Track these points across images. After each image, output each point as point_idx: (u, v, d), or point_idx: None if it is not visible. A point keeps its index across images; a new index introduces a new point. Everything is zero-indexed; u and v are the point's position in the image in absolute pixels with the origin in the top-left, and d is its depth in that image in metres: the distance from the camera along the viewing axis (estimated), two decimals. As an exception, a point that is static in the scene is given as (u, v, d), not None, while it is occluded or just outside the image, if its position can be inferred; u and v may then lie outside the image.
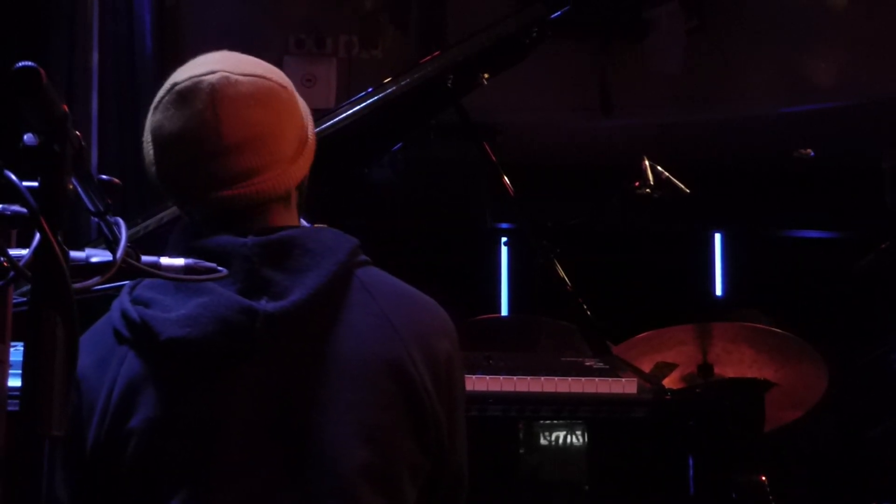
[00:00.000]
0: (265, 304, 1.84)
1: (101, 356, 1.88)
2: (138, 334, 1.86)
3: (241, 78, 1.92)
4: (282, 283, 1.87)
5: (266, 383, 1.86)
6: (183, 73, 1.95)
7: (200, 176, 1.91)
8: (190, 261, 1.72)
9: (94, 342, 1.91)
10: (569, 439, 3.05)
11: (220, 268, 1.74)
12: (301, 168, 2.00)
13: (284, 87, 1.99)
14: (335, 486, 1.83)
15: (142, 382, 1.85)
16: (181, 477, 1.82)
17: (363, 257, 1.99)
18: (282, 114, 1.96)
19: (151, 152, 1.98)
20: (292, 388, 1.86)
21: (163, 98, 1.95)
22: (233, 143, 1.90)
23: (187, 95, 1.91)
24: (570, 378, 2.97)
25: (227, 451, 1.83)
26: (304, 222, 2.21)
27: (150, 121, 1.97)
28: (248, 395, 1.85)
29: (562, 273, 3.42)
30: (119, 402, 1.85)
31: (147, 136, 1.99)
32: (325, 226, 2.12)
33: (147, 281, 1.89)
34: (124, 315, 1.89)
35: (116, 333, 1.90)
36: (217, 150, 1.89)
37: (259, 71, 1.97)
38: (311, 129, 2.05)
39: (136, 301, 1.89)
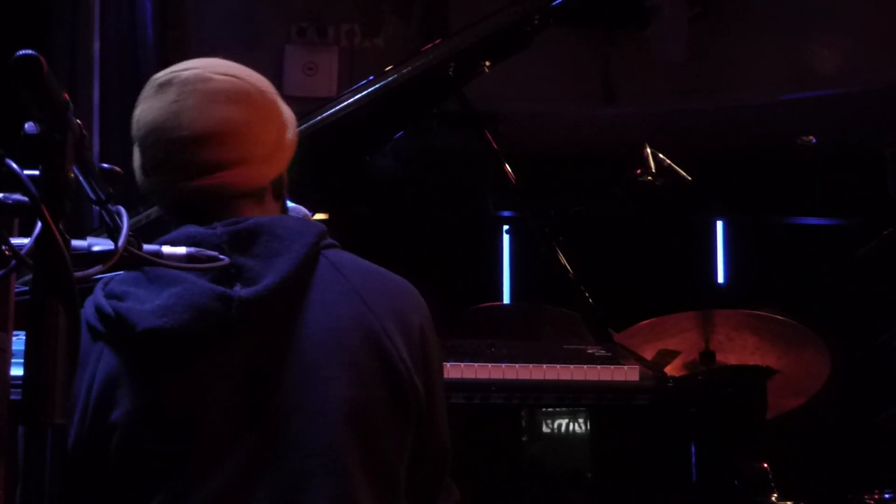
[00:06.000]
0: (239, 290, 1.86)
1: None
2: (113, 328, 1.87)
3: (215, 76, 1.99)
4: (254, 269, 1.89)
5: (244, 368, 1.87)
6: (164, 70, 2.02)
7: (171, 166, 1.97)
8: (192, 249, 1.73)
9: None
10: (571, 427, 3.05)
11: (221, 256, 1.75)
12: (272, 168, 2.03)
13: (261, 91, 2.03)
14: (323, 465, 1.85)
15: (120, 376, 1.86)
16: (165, 467, 1.84)
17: (330, 240, 2.02)
18: (252, 114, 2.00)
19: (135, 146, 2.03)
20: (270, 371, 1.88)
21: (144, 91, 2.02)
22: (197, 135, 1.95)
23: (163, 87, 1.98)
24: (572, 366, 2.98)
25: (209, 438, 1.84)
26: (305, 210, 2.23)
27: (133, 115, 2.02)
28: (227, 380, 1.87)
29: (564, 261, 3.42)
30: (98, 397, 1.86)
31: (132, 131, 2.03)
32: (301, 208, 2.16)
33: (119, 275, 1.91)
34: (98, 310, 1.90)
35: (91, 329, 1.90)
36: (184, 139, 1.95)
37: (235, 72, 2.02)
38: (292, 133, 2.09)
39: (109, 295, 1.90)
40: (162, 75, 2.00)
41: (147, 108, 1.99)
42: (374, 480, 1.89)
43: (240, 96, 1.99)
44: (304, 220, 2.03)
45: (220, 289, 1.85)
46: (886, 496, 3.53)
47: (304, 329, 1.90)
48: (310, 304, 1.92)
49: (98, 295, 1.91)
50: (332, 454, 1.85)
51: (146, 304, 1.86)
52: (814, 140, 5.84)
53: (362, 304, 1.94)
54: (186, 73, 1.98)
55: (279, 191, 2.08)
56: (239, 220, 1.94)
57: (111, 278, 1.92)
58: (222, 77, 1.99)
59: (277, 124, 2.05)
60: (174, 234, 1.91)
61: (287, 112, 2.10)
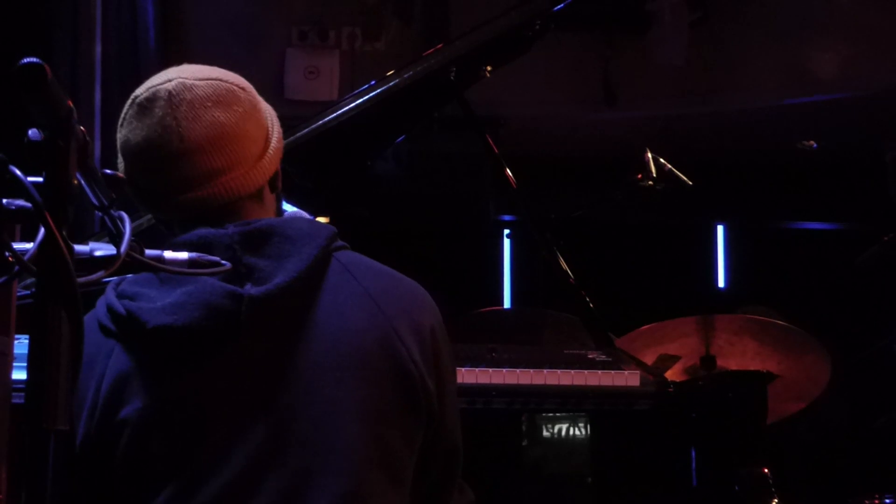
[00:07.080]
0: (250, 289, 1.88)
1: (87, 352, 1.89)
2: (124, 326, 1.89)
3: (197, 82, 1.98)
4: (265, 269, 1.90)
5: (253, 367, 1.89)
6: (142, 86, 2.01)
7: (169, 181, 1.96)
8: (194, 254, 1.73)
9: None
10: (572, 432, 3.06)
11: (223, 261, 1.76)
12: (267, 166, 2.03)
13: (243, 89, 2.03)
14: (329, 463, 1.86)
15: (130, 374, 1.88)
16: (173, 463, 1.85)
17: (341, 242, 2.04)
18: (242, 114, 2.00)
19: (123, 168, 2.02)
20: (279, 370, 1.89)
21: (126, 113, 2.01)
22: (195, 145, 1.94)
23: (147, 105, 1.97)
24: (573, 371, 2.98)
25: (218, 435, 1.86)
26: (304, 214, 2.24)
27: (118, 138, 2.02)
28: (237, 379, 1.88)
29: (564, 265, 3.42)
30: (108, 395, 1.87)
31: (119, 154, 2.03)
32: (302, 212, 2.17)
33: (132, 276, 1.91)
34: (110, 309, 1.92)
35: (102, 328, 1.92)
36: (180, 152, 1.94)
37: (216, 74, 2.02)
38: (277, 129, 2.09)
39: (121, 295, 1.92)
40: (142, 92, 1.99)
41: (135, 128, 1.98)
42: (382, 480, 1.90)
43: (226, 98, 1.99)
44: (315, 223, 2.04)
45: (231, 287, 1.87)
46: (887, 501, 3.53)
47: (315, 329, 1.92)
48: (321, 305, 1.94)
49: (110, 295, 1.93)
50: (339, 453, 1.87)
51: (157, 303, 1.88)
52: (815, 145, 5.82)
53: (374, 306, 1.96)
54: (168, 84, 1.97)
55: (275, 183, 2.08)
56: (250, 221, 1.95)
57: (123, 279, 1.93)
58: (205, 82, 1.98)
59: (262, 120, 2.05)
60: (186, 235, 1.92)
61: (267, 107, 2.10)
